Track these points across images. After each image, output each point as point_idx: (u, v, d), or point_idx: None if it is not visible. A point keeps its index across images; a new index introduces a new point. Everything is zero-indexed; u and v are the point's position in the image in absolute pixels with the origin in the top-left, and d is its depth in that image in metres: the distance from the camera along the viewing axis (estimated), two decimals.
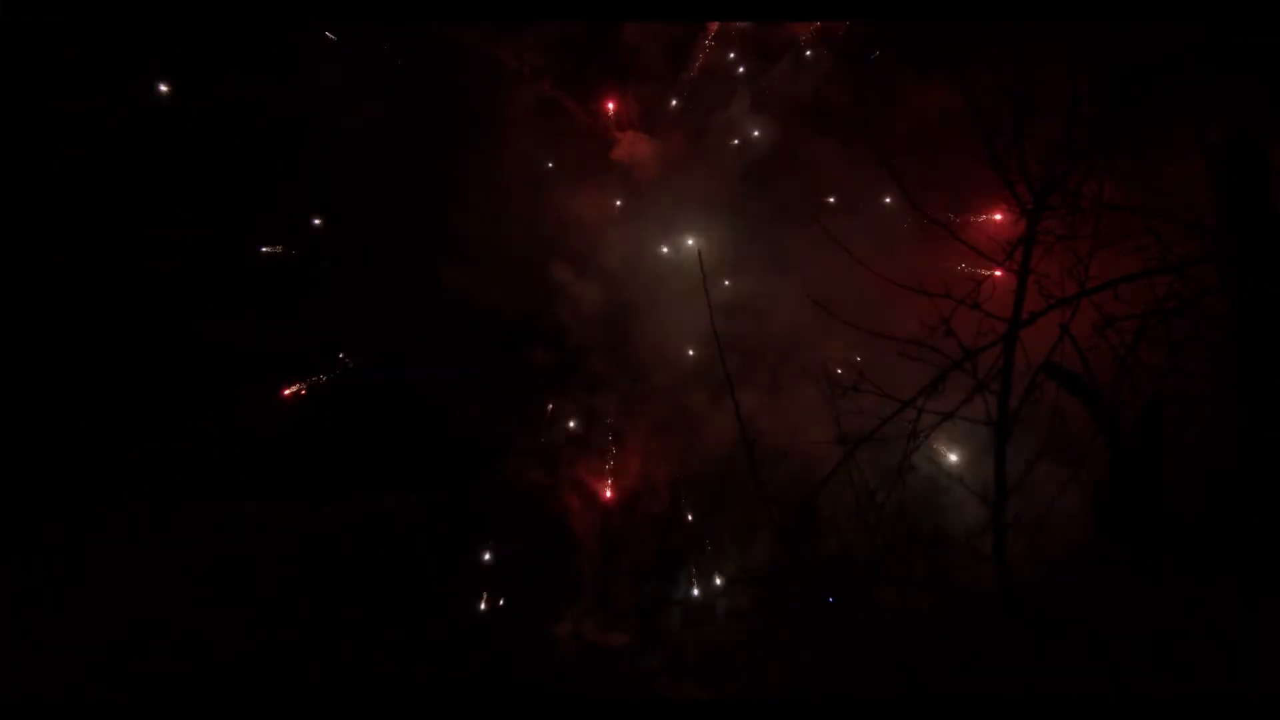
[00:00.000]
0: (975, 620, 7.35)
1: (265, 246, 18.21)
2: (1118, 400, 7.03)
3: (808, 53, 18.98)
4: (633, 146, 19.82)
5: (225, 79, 17.22)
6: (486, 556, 19.48)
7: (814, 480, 7.37)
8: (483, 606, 19.22)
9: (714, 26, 19.09)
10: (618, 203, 20.05)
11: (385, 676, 17.02)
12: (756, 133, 19.42)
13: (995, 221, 6.95)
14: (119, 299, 16.84)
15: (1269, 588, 6.78)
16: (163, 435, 16.90)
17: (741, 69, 19.52)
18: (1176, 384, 7.23)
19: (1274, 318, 7.22)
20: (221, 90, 17.25)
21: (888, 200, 17.46)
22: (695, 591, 19.61)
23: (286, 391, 18.36)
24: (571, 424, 20.47)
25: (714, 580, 19.49)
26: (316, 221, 18.68)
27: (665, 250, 19.76)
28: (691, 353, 18.96)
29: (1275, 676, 6.58)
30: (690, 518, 19.89)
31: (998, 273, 7.06)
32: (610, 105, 19.70)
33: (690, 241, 19.47)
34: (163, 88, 16.99)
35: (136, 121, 16.96)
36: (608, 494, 19.97)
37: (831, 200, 18.99)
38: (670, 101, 19.82)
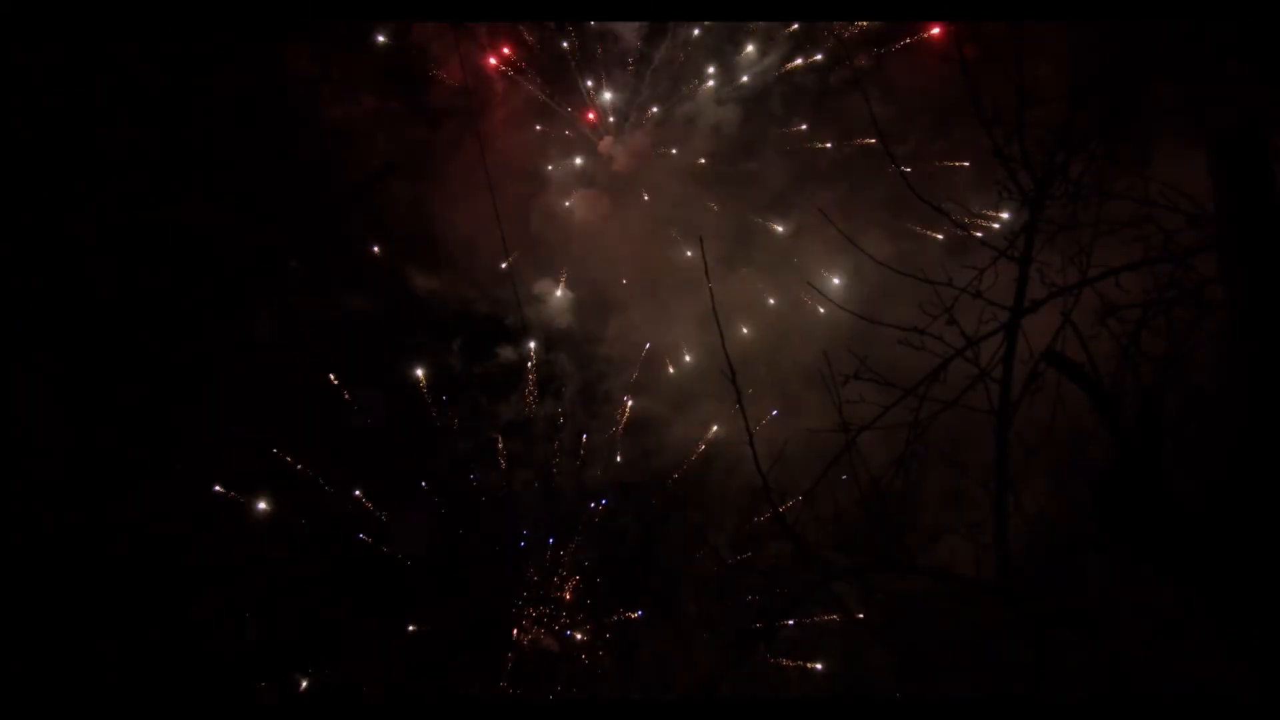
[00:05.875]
0: (975, 609, 7.34)
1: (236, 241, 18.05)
2: (1119, 389, 7.02)
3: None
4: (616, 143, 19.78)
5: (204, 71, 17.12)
6: (436, 559, 19.29)
7: (815, 470, 7.36)
8: (434, 609, 19.05)
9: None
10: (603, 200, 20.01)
11: (333, 684, 16.95)
12: (745, 123, 19.38)
13: (997, 209, 6.97)
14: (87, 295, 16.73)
15: (1271, 581, 6.77)
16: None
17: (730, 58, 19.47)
18: (1178, 373, 7.23)
19: (1274, 308, 7.20)
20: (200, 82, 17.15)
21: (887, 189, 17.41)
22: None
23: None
24: (538, 422, 20.36)
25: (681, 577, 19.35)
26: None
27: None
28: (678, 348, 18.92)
29: (1275, 673, 6.57)
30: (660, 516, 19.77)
31: (999, 261, 7.03)
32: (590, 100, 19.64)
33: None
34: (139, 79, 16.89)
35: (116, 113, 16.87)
36: (568, 491, 19.88)
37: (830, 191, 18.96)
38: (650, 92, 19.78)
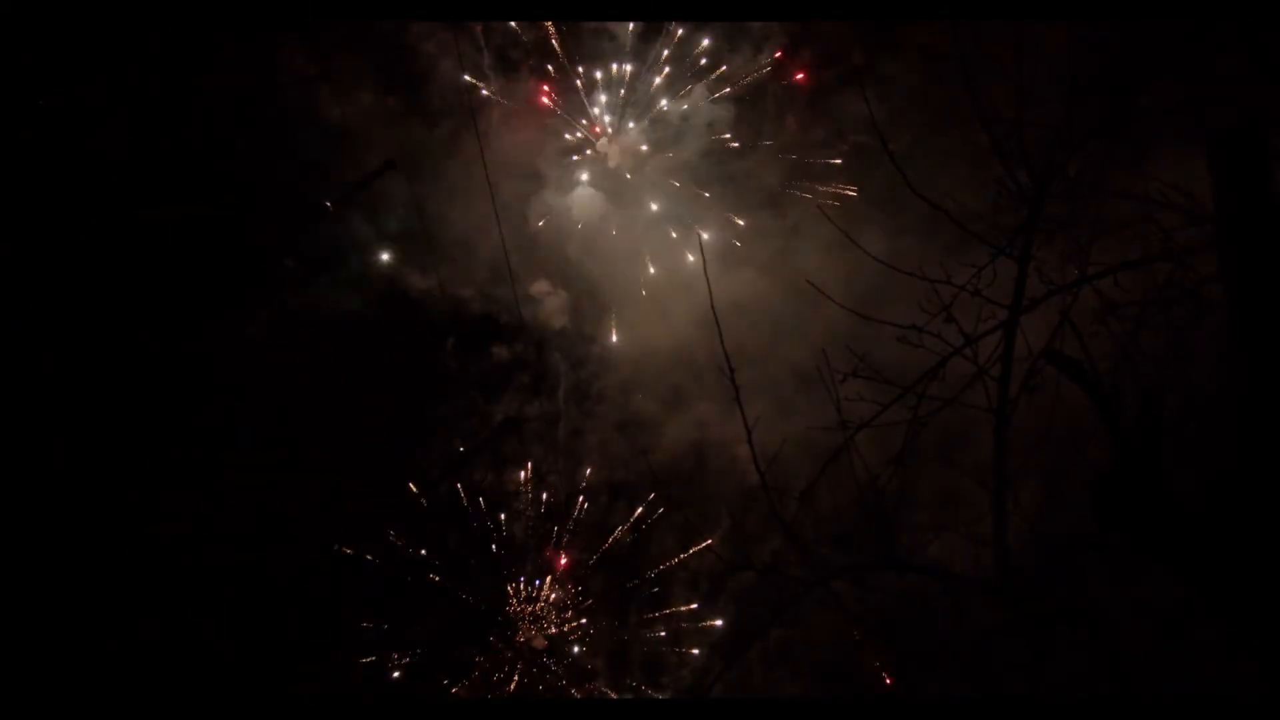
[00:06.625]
0: (974, 607, 7.33)
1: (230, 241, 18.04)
2: (1118, 388, 7.01)
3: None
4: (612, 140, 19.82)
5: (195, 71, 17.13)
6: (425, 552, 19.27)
7: (812, 469, 7.36)
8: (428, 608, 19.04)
9: None
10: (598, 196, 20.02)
11: (319, 684, 16.94)
12: (740, 118, 19.39)
13: (996, 207, 6.98)
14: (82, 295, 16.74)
15: (1272, 580, 6.76)
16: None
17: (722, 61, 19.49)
18: (1178, 373, 7.22)
19: (1273, 307, 7.18)
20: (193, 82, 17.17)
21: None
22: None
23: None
24: (527, 421, 20.35)
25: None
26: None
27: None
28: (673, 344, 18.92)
29: (1276, 673, 6.56)
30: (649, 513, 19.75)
31: (998, 259, 7.02)
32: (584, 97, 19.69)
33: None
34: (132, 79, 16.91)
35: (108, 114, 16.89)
36: (562, 490, 19.87)
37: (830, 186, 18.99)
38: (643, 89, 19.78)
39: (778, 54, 18.93)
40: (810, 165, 19.06)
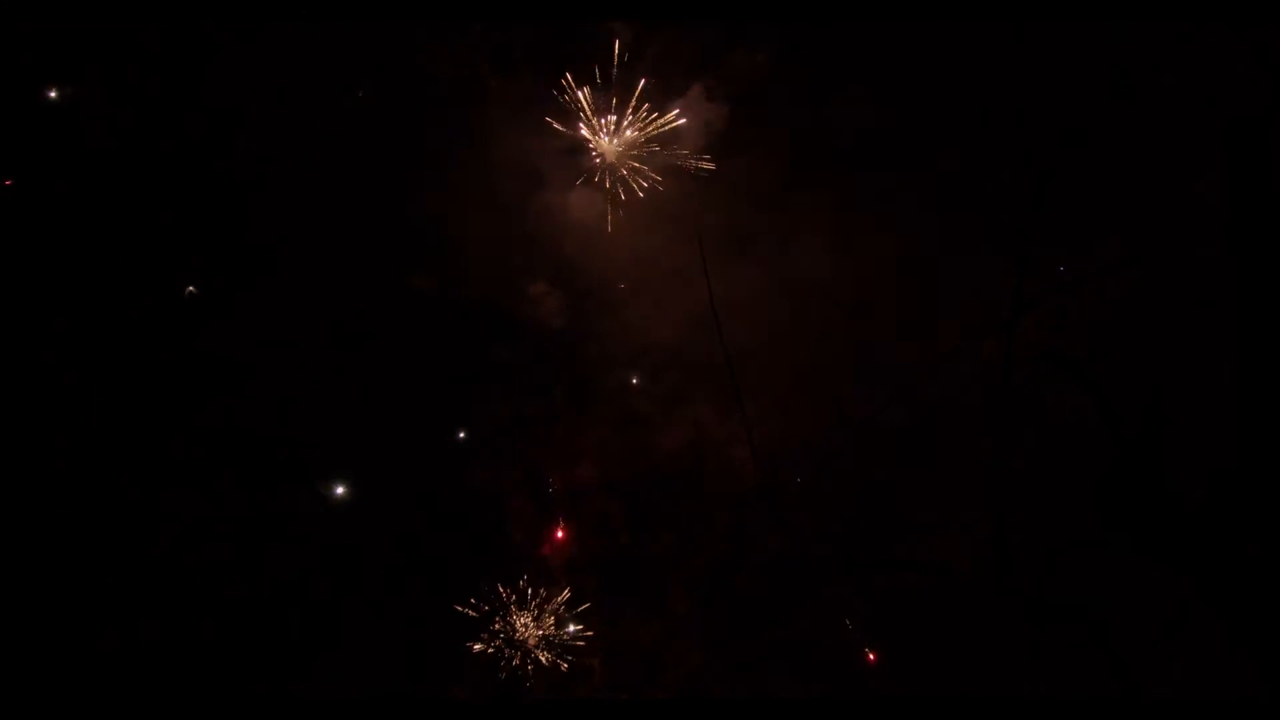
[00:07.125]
0: (974, 604, 7.34)
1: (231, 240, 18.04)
2: (1120, 387, 7.02)
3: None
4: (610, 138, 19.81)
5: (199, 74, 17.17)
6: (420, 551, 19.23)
7: (812, 467, 7.37)
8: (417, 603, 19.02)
9: None
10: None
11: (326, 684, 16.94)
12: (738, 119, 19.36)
13: (996, 207, 7.00)
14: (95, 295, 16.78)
15: (1272, 578, 6.76)
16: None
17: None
18: (1178, 373, 7.23)
19: (1275, 306, 7.19)
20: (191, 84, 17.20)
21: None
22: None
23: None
24: (526, 421, 20.30)
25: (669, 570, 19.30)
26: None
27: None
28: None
29: (1273, 668, 6.56)
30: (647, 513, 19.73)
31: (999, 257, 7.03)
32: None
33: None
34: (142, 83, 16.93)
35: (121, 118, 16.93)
36: (560, 490, 19.85)
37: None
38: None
39: (778, 52, 18.98)
40: (810, 164, 19.06)
